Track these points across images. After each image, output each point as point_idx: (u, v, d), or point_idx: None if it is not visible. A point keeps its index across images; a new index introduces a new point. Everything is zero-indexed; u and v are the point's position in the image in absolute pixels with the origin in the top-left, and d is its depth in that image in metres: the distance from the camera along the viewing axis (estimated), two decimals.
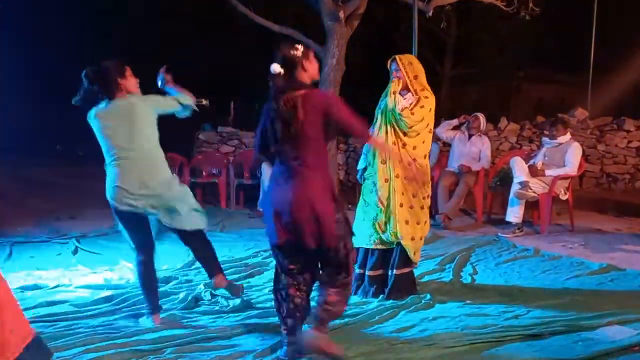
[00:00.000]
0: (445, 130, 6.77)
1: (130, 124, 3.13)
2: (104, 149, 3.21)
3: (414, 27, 6.32)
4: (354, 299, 3.68)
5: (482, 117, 6.71)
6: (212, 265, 3.49)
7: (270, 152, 2.69)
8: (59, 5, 12.92)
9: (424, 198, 3.66)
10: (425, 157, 3.67)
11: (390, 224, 3.62)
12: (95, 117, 3.20)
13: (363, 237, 3.68)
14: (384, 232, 3.64)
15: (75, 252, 5.09)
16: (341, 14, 6.75)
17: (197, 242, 3.42)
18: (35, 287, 3.97)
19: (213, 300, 3.62)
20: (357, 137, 2.96)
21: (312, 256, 2.66)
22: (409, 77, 3.61)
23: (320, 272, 2.72)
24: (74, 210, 7.07)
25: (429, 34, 12.66)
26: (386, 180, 3.64)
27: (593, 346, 2.80)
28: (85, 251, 5.12)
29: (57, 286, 3.99)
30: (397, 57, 3.67)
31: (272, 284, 3.98)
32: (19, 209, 7.18)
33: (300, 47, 2.65)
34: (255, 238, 5.63)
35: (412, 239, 3.63)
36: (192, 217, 3.34)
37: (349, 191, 7.96)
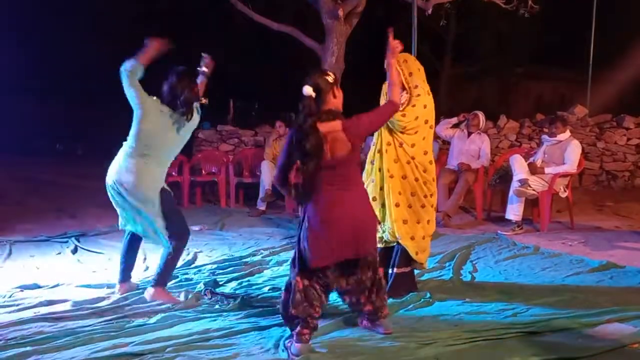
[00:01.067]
0: (445, 129, 6.77)
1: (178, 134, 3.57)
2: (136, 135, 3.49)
3: (413, 25, 6.31)
4: None
5: (481, 115, 6.71)
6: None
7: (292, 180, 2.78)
8: (59, 6, 12.92)
9: (425, 197, 3.61)
10: (426, 154, 3.62)
11: (388, 223, 3.61)
12: (160, 106, 3.49)
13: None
14: (383, 231, 3.64)
15: (75, 251, 5.09)
16: (340, 12, 6.75)
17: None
18: (36, 286, 3.96)
19: (213, 299, 3.62)
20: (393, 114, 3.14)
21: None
22: (403, 75, 3.59)
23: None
24: (74, 209, 7.07)
25: (428, 31, 12.65)
26: (372, 180, 3.65)
27: (592, 343, 2.80)
28: (85, 250, 5.11)
29: (57, 285, 3.98)
30: None
31: (271, 282, 4.03)
32: (18, 208, 7.18)
33: (332, 75, 2.84)
34: (254, 237, 5.64)
35: (412, 238, 3.61)
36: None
37: None
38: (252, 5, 7.50)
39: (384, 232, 3.64)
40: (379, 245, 3.65)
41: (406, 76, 3.60)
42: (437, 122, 8.16)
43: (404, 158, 3.57)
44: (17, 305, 3.55)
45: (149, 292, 3.57)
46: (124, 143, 3.55)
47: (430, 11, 6.62)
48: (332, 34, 6.88)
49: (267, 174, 7.13)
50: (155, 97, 3.51)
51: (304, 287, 2.79)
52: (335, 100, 2.81)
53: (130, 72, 3.38)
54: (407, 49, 5.27)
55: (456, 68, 16.34)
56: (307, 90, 2.72)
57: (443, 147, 7.27)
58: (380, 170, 3.63)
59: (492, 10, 8.80)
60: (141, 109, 3.45)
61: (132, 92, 3.42)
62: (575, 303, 3.43)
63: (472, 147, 6.56)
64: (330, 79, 2.80)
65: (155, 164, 3.53)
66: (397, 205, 3.58)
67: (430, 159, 3.66)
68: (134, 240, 3.79)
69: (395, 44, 3.17)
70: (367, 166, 3.71)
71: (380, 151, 3.63)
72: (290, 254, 4.92)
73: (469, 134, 6.63)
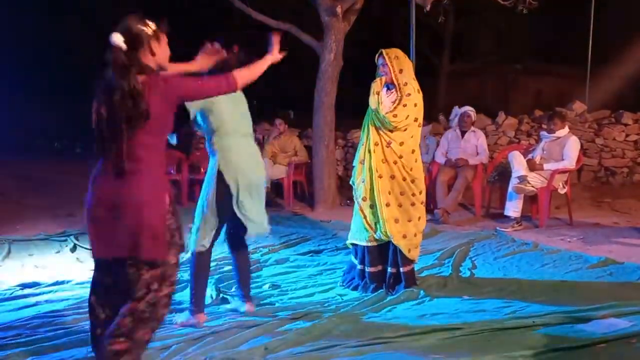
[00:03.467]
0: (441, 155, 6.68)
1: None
2: None
3: (411, 22, 6.30)
4: (353, 294, 3.69)
5: (472, 113, 6.71)
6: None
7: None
8: (57, 5, 12.89)
9: (413, 195, 3.64)
10: (413, 152, 3.66)
11: (380, 223, 3.63)
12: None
13: (359, 234, 3.73)
14: (375, 231, 3.66)
15: (73, 249, 5.09)
16: (338, 9, 6.73)
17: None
18: (35, 284, 3.96)
19: (218, 297, 3.61)
20: (226, 92, 2.42)
21: None
22: (394, 71, 3.60)
23: None
24: (72, 208, 7.06)
25: (426, 28, 12.63)
26: (363, 181, 3.68)
27: (589, 336, 2.80)
28: (83, 248, 5.11)
29: (56, 283, 3.99)
30: (383, 51, 3.67)
31: (270, 279, 4.03)
32: (17, 206, 7.17)
33: (151, 25, 2.22)
34: None
35: (404, 236, 3.63)
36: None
37: (348, 187, 7.94)
38: (250, 3, 7.48)
39: (375, 232, 3.66)
40: (373, 243, 3.67)
41: (396, 73, 3.61)
42: (432, 117, 8.15)
43: (391, 158, 3.59)
44: (17, 303, 3.55)
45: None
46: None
47: (428, 8, 6.60)
48: (331, 31, 6.87)
49: (267, 171, 7.13)
50: None
51: None
52: (153, 59, 2.23)
53: None
54: (405, 45, 5.28)
55: (454, 65, 16.31)
56: (115, 39, 2.13)
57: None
58: (370, 170, 3.64)
59: (491, 6, 8.78)
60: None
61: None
62: (574, 299, 3.43)
63: (468, 145, 6.56)
64: (150, 30, 2.21)
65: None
66: (387, 205, 3.60)
67: (417, 157, 3.70)
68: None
69: (277, 56, 2.63)
70: (358, 166, 3.73)
71: (369, 151, 3.64)
72: (289, 251, 4.97)
73: (462, 133, 6.62)
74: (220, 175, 3.05)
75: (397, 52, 3.69)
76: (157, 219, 2.21)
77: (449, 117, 7.68)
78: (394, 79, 3.60)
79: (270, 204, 7.05)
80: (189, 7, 12.59)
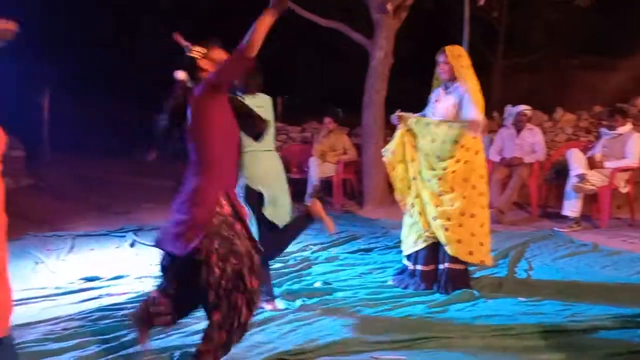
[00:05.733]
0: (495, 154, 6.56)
1: None
2: None
3: (465, 17, 6.17)
4: (402, 292, 3.66)
5: (529, 112, 6.52)
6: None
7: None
8: (115, 7, 13.34)
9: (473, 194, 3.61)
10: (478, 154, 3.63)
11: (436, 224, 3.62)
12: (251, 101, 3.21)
13: (411, 240, 3.73)
14: (425, 231, 3.66)
15: (132, 244, 5.27)
16: (389, 6, 6.67)
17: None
18: (96, 278, 4.13)
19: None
20: (246, 61, 2.34)
21: None
22: (456, 67, 3.58)
23: None
24: (128, 205, 7.32)
25: (479, 22, 12.34)
26: (409, 187, 3.71)
27: None
28: (141, 244, 5.29)
29: (116, 277, 4.14)
30: (445, 48, 3.63)
31: (321, 277, 4.05)
32: (78, 204, 7.49)
33: (200, 50, 2.50)
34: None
35: (459, 241, 3.58)
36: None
37: None
38: (300, 2, 7.53)
39: (425, 231, 3.65)
40: (425, 243, 3.63)
41: (458, 68, 3.59)
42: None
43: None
44: (80, 296, 3.71)
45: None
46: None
47: (483, 1, 6.45)
48: (381, 29, 6.82)
49: (315, 170, 7.17)
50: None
51: None
52: (207, 73, 2.45)
53: None
54: (459, 41, 5.19)
55: (508, 59, 15.87)
56: (180, 75, 2.48)
57: None
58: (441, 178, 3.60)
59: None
60: None
61: None
62: (636, 303, 3.29)
63: (524, 143, 6.37)
64: (199, 55, 2.47)
65: None
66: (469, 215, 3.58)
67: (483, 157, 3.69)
68: None
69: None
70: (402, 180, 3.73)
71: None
72: (339, 249, 4.98)
73: (518, 131, 6.43)
74: (247, 187, 3.28)
75: (460, 49, 3.68)
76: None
77: (502, 114, 7.49)
78: (456, 73, 3.58)
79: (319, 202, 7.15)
80: (241, 7, 12.77)
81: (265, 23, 2.34)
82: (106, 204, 7.46)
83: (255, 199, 3.29)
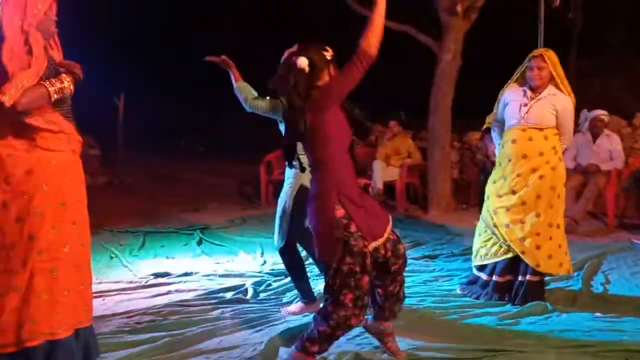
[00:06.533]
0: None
1: None
2: None
3: (540, 18, 5.93)
4: (470, 302, 3.55)
5: (605, 117, 6.18)
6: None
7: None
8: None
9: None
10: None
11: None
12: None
13: (485, 254, 3.63)
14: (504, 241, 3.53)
15: (199, 242, 5.42)
16: (459, 8, 6.53)
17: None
18: (166, 274, 4.27)
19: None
20: (368, 65, 2.38)
21: None
22: (555, 75, 3.49)
23: None
24: (197, 203, 7.53)
25: (552, 22, 11.87)
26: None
27: None
28: (208, 242, 5.43)
29: (185, 274, 4.26)
30: (542, 52, 3.54)
31: None
32: (148, 201, 7.79)
33: (330, 51, 2.48)
34: None
35: (550, 257, 3.46)
36: None
37: (463, 190, 7.72)
38: (367, 4, 7.49)
39: (505, 242, 3.52)
40: (506, 255, 3.51)
41: (557, 78, 3.51)
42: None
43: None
44: (151, 291, 3.85)
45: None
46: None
47: (558, 2, 6.18)
48: (450, 31, 6.68)
49: (379, 173, 7.13)
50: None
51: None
52: (329, 80, 2.46)
53: (245, 101, 3.33)
54: (534, 43, 5.00)
55: (582, 61, 15.18)
56: (302, 62, 2.40)
57: None
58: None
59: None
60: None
61: (266, 114, 3.31)
62: None
63: (601, 150, 6.05)
64: (329, 55, 2.46)
65: None
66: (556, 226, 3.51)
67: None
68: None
69: None
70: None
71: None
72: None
73: (594, 137, 6.11)
74: (302, 187, 3.16)
75: (554, 56, 3.54)
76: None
77: (577, 119, 7.16)
78: (559, 84, 3.49)
79: (382, 205, 7.09)
80: (308, 10, 12.89)
81: (381, 14, 2.38)
82: (176, 202, 7.72)
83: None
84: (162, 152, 12.75)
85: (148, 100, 14.10)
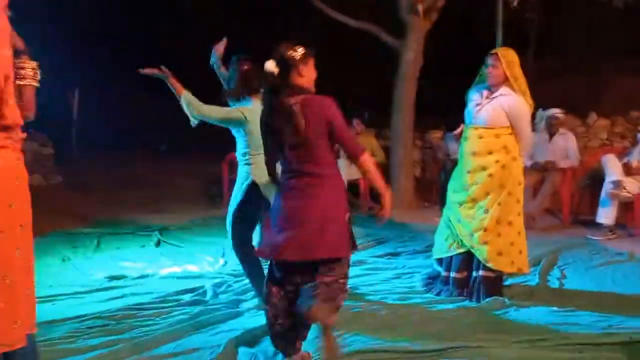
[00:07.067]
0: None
1: None
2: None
3: (497, 19, 6.04)
4: (432, 299, 3.57)
5: (561, 115, 6.33)
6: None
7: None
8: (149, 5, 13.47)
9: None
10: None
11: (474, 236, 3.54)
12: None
13: (443, 246, 3.65)
14: (463, 236, 3.56)
15: (157, 244, 5.28)
16: (420, 7, 6.58)
17: None
18: (121, 277, 4.14)
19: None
20: (347, 153, 2.62)
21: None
22: (509, 75, 3.50)
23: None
24: (156, 204, 7.35)
25: (510, 24, 12.12)
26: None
27: None
28: (167, 243, 5.30)
29: (141, 277, 4.14)
30: (498, 52, 3.56)
31: (349, 281, 3.98)
32: (105, 201, 7.57)
33: (300, 50, 2.47)
34: None
35: (499, 254, 3.50)
36: None
37: (425, 188, 7.78)
38: (329, 2, 7.47)
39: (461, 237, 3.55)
40: (458, 251, 3.53)
41: (510, 76, 3.52)
42: None
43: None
44: (105, 295, 3.72)
45: None
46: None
47: (516, 3, 6.31)
48: (411, 30, 6.73)
49: (343, 172, 7.05)
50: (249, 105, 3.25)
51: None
52: (302, 79, 2.47)
53: (197, 110, 3.19)
54: (492, 44, 5.07)
55: (539, 62, 15.56)
56: (269, 65, 2.42)
57: None
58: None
59: (581, 1, 8.28)
60: (246, 123, 3.21)
61: (220, 123, 3.26)
62: None
63: (557, 148, 6.19)
64: (298, 55, 2.45)
65: None
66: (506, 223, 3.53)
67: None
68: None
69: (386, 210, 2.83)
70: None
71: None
72: (366, 253, 4.90)
73: (551, 135, 6.25)
74: (254, 184, 3.18)
75: (513, 55, 3.55)
76: None
77: (534, 118, 7.31)
78: (514, 84, 3.50)
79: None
80: (270, 7, 12.80)
81: (377, 180, 2.79)
82: (135, 203, 7.51)
83: (261, 202, 3.20)
84: (121, 150, 12.44)
85: (106, 96, 13.71)
